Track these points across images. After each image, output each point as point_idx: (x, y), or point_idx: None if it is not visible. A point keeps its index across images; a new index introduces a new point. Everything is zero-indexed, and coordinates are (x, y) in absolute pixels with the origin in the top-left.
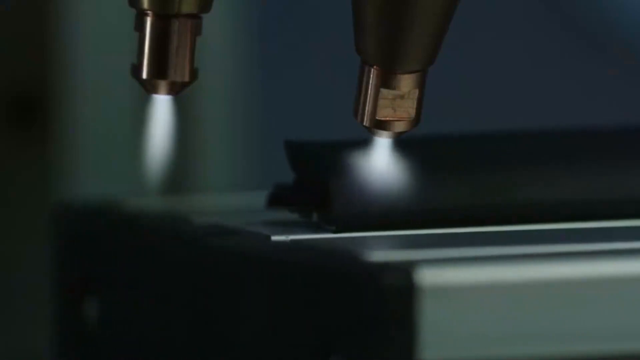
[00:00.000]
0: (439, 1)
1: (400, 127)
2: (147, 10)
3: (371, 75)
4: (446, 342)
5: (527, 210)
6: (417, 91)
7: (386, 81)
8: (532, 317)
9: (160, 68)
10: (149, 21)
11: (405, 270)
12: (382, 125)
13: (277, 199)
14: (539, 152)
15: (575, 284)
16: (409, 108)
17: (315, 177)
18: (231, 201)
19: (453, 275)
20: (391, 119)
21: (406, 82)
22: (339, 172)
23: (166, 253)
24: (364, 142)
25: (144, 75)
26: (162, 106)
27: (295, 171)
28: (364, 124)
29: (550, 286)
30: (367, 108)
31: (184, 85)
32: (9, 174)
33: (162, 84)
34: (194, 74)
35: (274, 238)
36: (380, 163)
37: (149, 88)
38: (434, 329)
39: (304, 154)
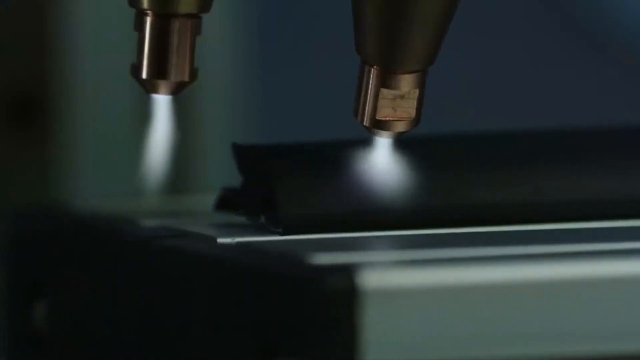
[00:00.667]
0: (439, 1)
1: (400, 127)
2: (147, 10)
3: (371, 75)
4: (388, 345)
5: (527, 210)
6: (417, 91)
7: (386, 81)
8: (473, 319)
9: (160, 68)
10: (148, 21)
11: (347, 273)
12: (382, 125)
13: (224, 202)
14: (539, 152)
15: (524, 286)
16: (409, 108)
17: (263, 180)
18: (183, 203)
19: (395, 278)
20: (391, 119)
21: (406, 82)
22: (286, 175)
23: (113, 255)
24: (312, 145)
25: (144, 75)
26: (162, 106)
27: (242, 174)
28: (364, 124)
29: (496, 288)
30: (367, 108)
31: (184, 85)
32: (9, 174)
33: (162, 84)
34: (193, 74)
35: (220, 240)
36: (379, 163)
37: (149, 88)
38: (375, 331)
39: (251, 157)
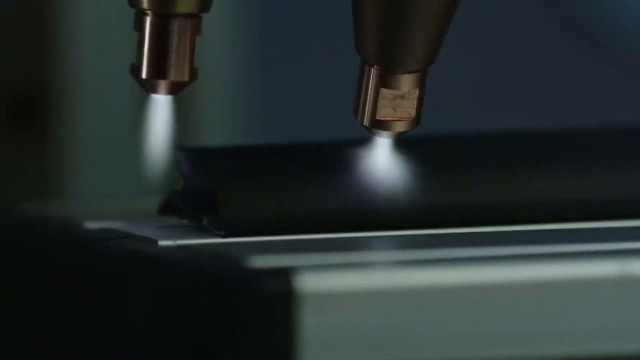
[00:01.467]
0: (439, 1)
1: (400, 127)
2: (146, 9)
3: (371, 75)
4: (325, 347)
5: (526, 210)
6: (417, 91)
7: (386, 81)
8: (409, 321)
9: (159, 68)
10: (148, 21)
11: (285, 276)
12: (382, 125)
13: (168, 205)
14: (539, 152)
15: (473, 288)
16: (409, 108)
17: (206, 183)
18: (130, 205)
19: (333, 281)
20: (391, 119)
21: (406, 82)
22: (228, 178)
23: (57, 257)
24: (256, 148)
25: (144, 75)
26: (161, 106)
27: (185, 177)
28: (364, 124)
29: (436, 290)
30: (367, 108)
31: (184, 85)
32: (9, 174)
33: (162, 84)
34: (193, 73)
35: (161, 243)
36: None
37: (149, 88)
38: (313, 334)
39: (195, 160)
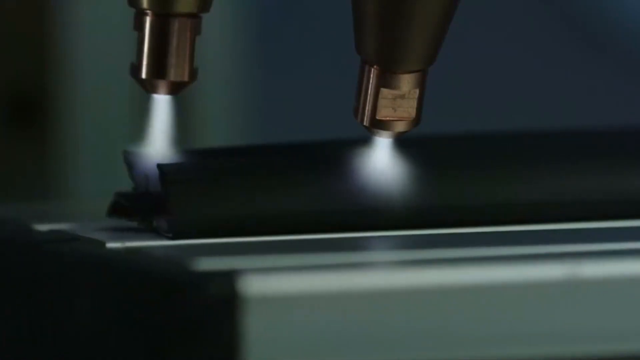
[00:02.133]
0: (439, 1)
1: (400, 127)
2: (146, 9)
3: (371, 75)
4: (270, 350)
5: (526, 210)
6: (417, 91)
7: (386, 81)
8: (356, 323)
9: (159, 68)
10: (148, 21)
11: (230, 278)
12: (382, 125)
13: (118, 208)
14: (539, 152)
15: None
16: (409, 108)
17: (155, 185)
18: (80, 208)
19: (278, 284)
20: (391, 118)
21: (406, 82)
22: (177, 180)
23: (5, 258)
24: (206, 151)
25: (144, 75)
26: (161, 106)
27: (134, 179)
28: (364, 123)
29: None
30: (367, 108)
31: (184, 85)
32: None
33: (162, 84)
34: (193, 73)
35: (109, 245)
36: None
37: (149, 88)
38: (257, 337)
39: (144, 162)
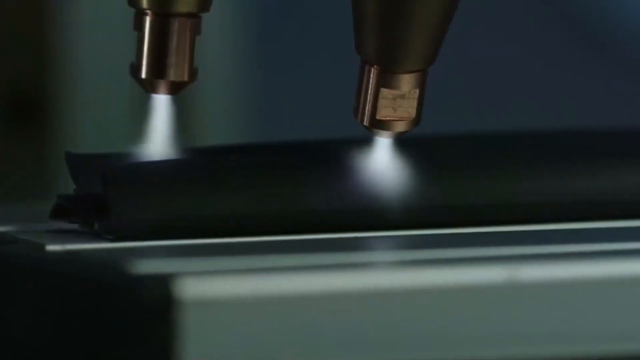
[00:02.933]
0: (439, 1)
1: (400, 127)
2: (146, 9)
3: (371, 75)
4: (206, 355)
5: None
6: (417, 91)
7: (386, 81)
8: (293, 327)
9: (159, 68)
10: (148, 20)
11: (166, 282)
12: (382, 125)
13: (60, 210)
14: (539, 152)
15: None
16: (409, 108)
17: (97, 187)
18: (23, 210)
19: (215, 287)
20: (391, 118)
21: (406, 82)
22: (118, 182)
23: None
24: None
25: (143, 75)
26: (161, 106)
27: (76, 182)
28: (364, 123)
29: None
30: (367, 108)
31: (184, 85)
32: (9, 174)
33: (162, 84)
34: (193, 73)
35: (49, 247)
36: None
37: (148, 88)
38: (193, 341)
39: (85, 165)
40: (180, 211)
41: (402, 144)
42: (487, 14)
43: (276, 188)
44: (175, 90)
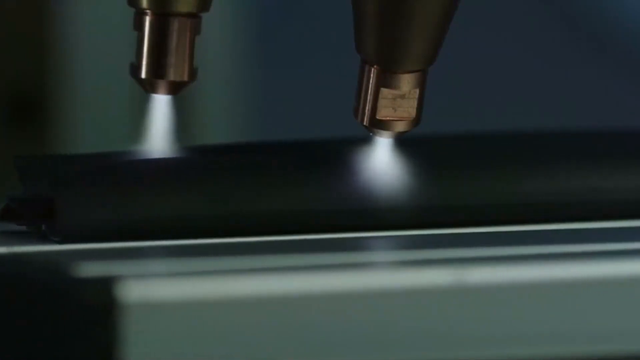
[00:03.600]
0: (439, 1)
1: (400, 127)
2: (146, 9)
3: (371, 75)
4: (148, 357)
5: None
6: (417, 91)
7: (386, 81)
8: (238, 331)
9: (159, 67)
10: (148, 20)
11: (108, 285)
12: (382, 125)
13: (8, 212)
14: (539, 152)
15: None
16: (409, 108)
17: (45, 189)
18: None
19: (157, 291)
20: (391, 118)
21: (406, 82)
22: (66, 184)
23: None
24: (97, 156)
25: (143, 75)
26: (161, 106)
27: (25, 184)
28: (364, 123)
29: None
30: (367, 108)
31: (183, 84)
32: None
33: (161, 84)
34: (193, 73)
35: None
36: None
37: (148, 87)
38: (136, 344)
39: (33, 167)
40: (128, 213)
41: (402, 144)
42: (487, 14)
43: (276, 188)
44: (175, 90)
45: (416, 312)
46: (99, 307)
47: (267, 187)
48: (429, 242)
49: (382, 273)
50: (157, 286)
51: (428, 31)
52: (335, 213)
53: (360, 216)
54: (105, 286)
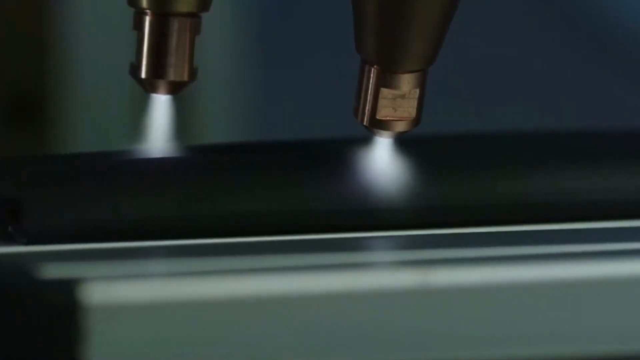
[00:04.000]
0: (439, 1)
1: (400, 127)
2: (145, 9)
3: (371, 75)
4: (112, 359)
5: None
6: (417, 91)
7: (386, 81)
8: (201, 333)
9: (159, 67)
10: (147, 20)
11: (71, 287)
12: (382, 125)
13: None
14: (539, 152)
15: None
16: (409, 108)
17: (9, 190)
18: None
19: (120, 292)
20: (391, 118)
21: (406, 82)
22: (32, 185)
23: None
24: (64, 157)
25: (143, 75)
26: (161, 106)
27: None
28: (364, 123)
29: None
30: (367, 108)
31: (183, 84)
32: None
33: (161, 84)
34: (193, 73)
35: None
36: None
37: (148, 88)
38: (99, 346)
39: (1, 168)
40: (94, 215)
41: (402, 144)
42: (487, 14)
43: (275, 188)
44: (175, 90)
45: (416, 312)
46: (63, 309)
47: (267, 187)
48: (429, 242)
49: (382, 273)
50: (119, 288)
51: (428, 31)
52: (335, 213)
53: (360, 216)
54: (69, 288)
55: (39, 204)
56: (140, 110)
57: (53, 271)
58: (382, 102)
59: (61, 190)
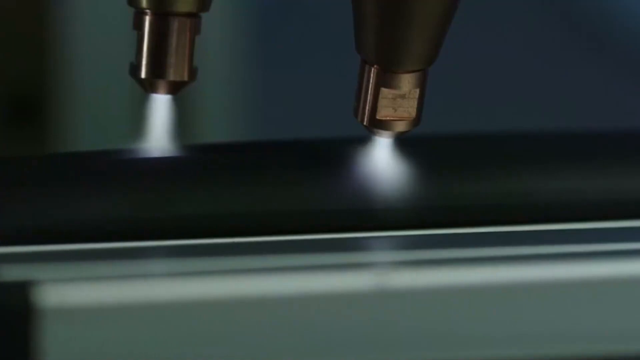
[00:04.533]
0: (439, 1)
1: (400, 126)
2: (145, 9)
3: (372, 75)
4: None
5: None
6: (417, 91)
7: (386, 80)
8: (163, 336)
9: (159, 67)
10: (147, 20)
11: (26, 290)
12: (382, 125)
13: None
14: (540, 153)
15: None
16: (409, 108)
17: None
18: None
19: (76, 295)
20: (391, 118)
21: (407, 82)
22: (1, 186)
23: None
24: (35, 158)
25: (143, 75)
26: (161, 106)
27: None
28: (364, 123)
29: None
30: (367, 108)
31: (183, 84)
32: None
33: (161, 84)
34: (193, 73)
35: None
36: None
37: (148, 87)
38: (53, 349)
39: None
40: (51, 216)
41: (402, 144)
42: (487, 14)
43: (275, 188)
44: (175, 90)
45: (416, 312)
46: (17, 312)
47: (267, 187)
48: (429, 242)
49: (381, 273)
50: (74, 290)
51: (428, 31)
52: (335, 213)
53: (360, 216)
54: (23, 290)
55: (7, 204)
56: (140, 110)
57: (8, 273)
58: (382, 102)
59: (16, 191)
